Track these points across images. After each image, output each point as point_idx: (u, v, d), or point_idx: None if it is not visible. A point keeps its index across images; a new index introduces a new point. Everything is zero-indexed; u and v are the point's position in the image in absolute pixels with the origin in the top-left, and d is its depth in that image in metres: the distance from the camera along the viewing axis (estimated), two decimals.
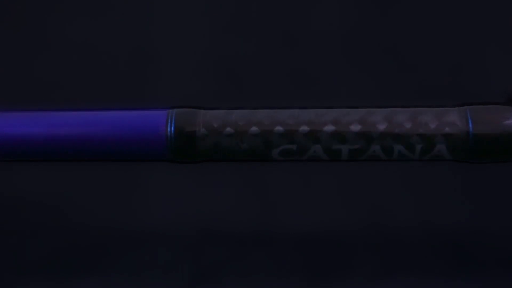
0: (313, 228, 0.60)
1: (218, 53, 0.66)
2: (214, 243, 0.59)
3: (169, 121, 0.45)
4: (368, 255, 0.58)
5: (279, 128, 0.45)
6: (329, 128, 0.44)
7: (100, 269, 0.57)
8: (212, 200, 0.62)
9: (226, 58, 0.66)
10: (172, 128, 0.45)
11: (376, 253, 0.58)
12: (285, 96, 0.62)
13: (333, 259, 0.57)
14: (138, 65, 0.65)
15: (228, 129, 0.45)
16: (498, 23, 0.65)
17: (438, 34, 0.65)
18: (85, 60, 0.65)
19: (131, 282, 0.56)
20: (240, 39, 0.66)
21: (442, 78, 0.64)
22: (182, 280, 0.56)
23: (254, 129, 0.45)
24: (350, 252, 0.58)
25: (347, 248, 0.59)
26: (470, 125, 0.44)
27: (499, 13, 0.65)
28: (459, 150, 0.44)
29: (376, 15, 0.66)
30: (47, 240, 0.59)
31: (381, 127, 0.44)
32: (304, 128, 0.44)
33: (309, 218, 0.61)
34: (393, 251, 0.58)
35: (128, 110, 0.47)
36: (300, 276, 0.56)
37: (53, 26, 0.66)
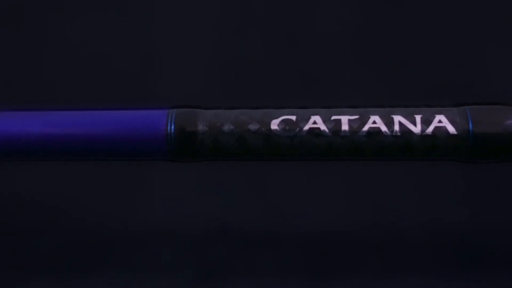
0: (316, 228, 0.60)
1: (220, 53, 0.66)
2: (218, 243, 0.59)
3: (169, 120, 0.45)
4: (371, 254, 0.58)
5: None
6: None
7: (102, 269, 0.57)
8: (215, 200, 0.62)
9: (228, 58, 0.66)
10: (172, 128, 0.45)
11: (380, 253, 0.58)
12: (288, 95, 0.63)
13: (337, 258, 0.58)
14: (138, 64, 0.65)
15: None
16: (499, 23, 0.65)
17: (439, 34, 0.65)
18: (85, 60, 0.65)
19: (134, 281, 0.56)
20: (242, 39, 0.66)
21: (443, 78, 0.64)
22: (186, 279, 0.56)
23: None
24: (354, 251, 0.58)
25: (351, 248, 0.59)
26: (470, 125, 0.44)
27: (501, 13, 0.65)
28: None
29: (378, 15, 0.66)
30: (48, 239, 0.59)
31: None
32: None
33: (313, 218, 0.61)
34: (397, 250, 0.58)
35: (129, 110, 0.47)
36: (304, 275, 0.56)
37: (53, 26, 0.66)
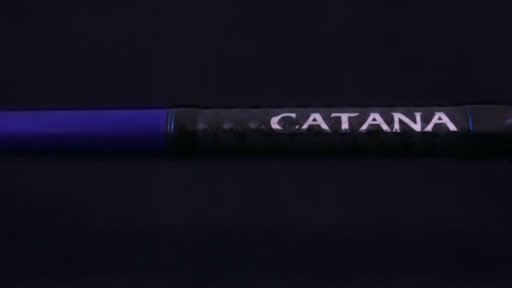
0: (317, 228, 0.60)
1: (221, 51, 0.66)
2: (218, 243, 0.59)
3: (169, 120, 0.45)
4: (371, 254, 0.58)
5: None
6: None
7: (102, 269, 0.57)
8: (215, 200, 0.62)
9: (230, 56, 0.66)
10: (172, 127, 0.45)
11: (380, 253, 0.58)
12: (289, 94, 0.63)
13: (338, 259, 0.57)
14: (138, 64, 0.65)
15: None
16: (500, 22, 0.65)
17: (439, 34, 0.65)
18: (85, 60, 0.65)
19: (134, 281, 0.56)
20: (242, 38, 0.66)
21: (444, 77, 0.64)
22: (185, 279, 0.56)
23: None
24: (354, 251, 0.58)
25: (351, 248, 0.59)
26: (471, 124, 0.44)
27: (501, 13, 0.65)
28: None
29: (381, 11, 0.66)
30: (48, 239, 0.59)
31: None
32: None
33: (313, 218, 0.61)
34: (397, 250, 0.58)
35: (129, 109, 0.47)
36: (306, 276, 0.56)
37: (55, 23, 0.66)
